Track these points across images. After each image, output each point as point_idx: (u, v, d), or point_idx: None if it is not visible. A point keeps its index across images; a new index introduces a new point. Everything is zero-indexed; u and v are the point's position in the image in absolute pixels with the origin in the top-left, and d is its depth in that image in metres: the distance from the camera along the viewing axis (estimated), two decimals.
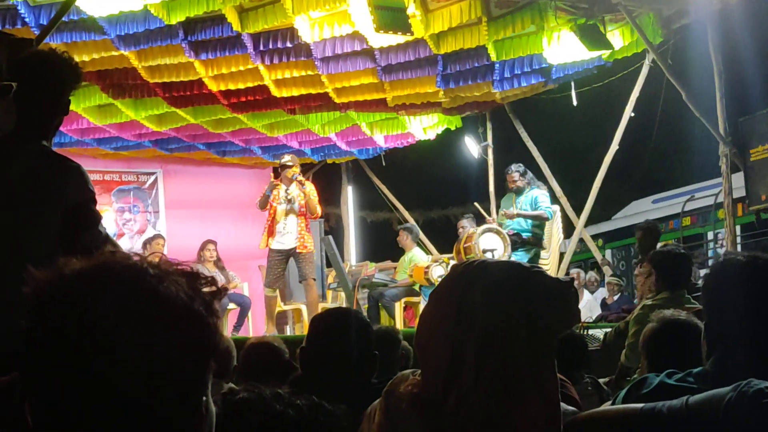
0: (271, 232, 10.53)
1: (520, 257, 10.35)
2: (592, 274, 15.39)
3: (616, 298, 13.72)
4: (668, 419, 1.67)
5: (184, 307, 1.18)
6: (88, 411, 1.12)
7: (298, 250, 10.40)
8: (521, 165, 11.06)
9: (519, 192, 10.94)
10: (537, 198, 10.77)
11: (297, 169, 10.68)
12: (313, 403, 1.42)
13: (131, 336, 1.13)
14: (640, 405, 1.77)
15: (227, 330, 11.63)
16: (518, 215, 10.62)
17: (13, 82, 3.93)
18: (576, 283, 13.92)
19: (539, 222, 10.80)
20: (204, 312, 1.22)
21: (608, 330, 7.84)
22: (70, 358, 1.12)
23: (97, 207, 3.96)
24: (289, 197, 10.47)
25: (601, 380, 5.86)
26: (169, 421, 1.17)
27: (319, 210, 10.75)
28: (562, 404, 1.93)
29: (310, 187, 10.73)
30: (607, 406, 2.44)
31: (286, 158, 10.90)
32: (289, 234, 10.44)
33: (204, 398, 1.24)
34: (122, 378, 1.12)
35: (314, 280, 10.62)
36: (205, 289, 1.25)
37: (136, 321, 1.14)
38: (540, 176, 12.93)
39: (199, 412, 1.23)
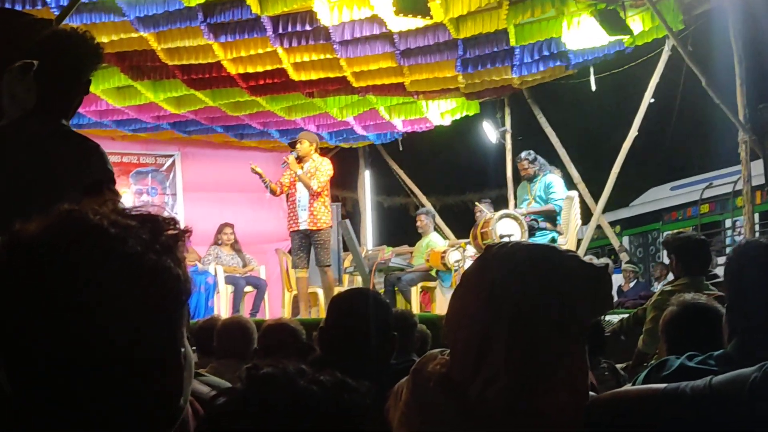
0: (290, 214, 10.53)
1: None
2: (605, 261, 15.33)
3: (632, 285, 13.71)
4: (692, 399, 1.65)
5: (150, 263, 1.16)
6: (62, 375, 1.11)
7: (310, 229, 10.38)
8: (531, 152, 11.00)
9: (532, 179, 10.89)
10: (550, 184, 10.71)
11: (302, 146, 10.57)
12: (337, 379, 1.41)
13: (96, 298, 1.11)
14: (663, 385, 1.75)
15: (245, 313, 11.64)
16: (529, 213, 10.56)
17: (34, 61, 3.94)
18: None
19: (551, 213, 10.75)
20: (170, 263, 1.19)
21: (625, 316, 7.82)
22: (33, 327, 1.11)
23: (116, 188, 3.97)
24: (299, 174, 10.39)
25: (618, 366, 5.84)
26: (146, 375, 1.16)
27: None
28: None
29: (320, 162, 10.65)
30: (628, 387, 2.44)
31: (298, 136, 10.85)
32: (303, 214, 10.41)
33: (182, 349, 1.23)
34: (92, 339, 1.10)
35: (329, 266, 10.61)
36: (168, 233, 1.22)
37: (100, 282, 1.12)
38: (558, 162, 12.89)
39: (177, 364, 1.22)
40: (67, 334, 1.10)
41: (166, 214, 1.26)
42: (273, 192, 10.61)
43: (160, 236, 1.20)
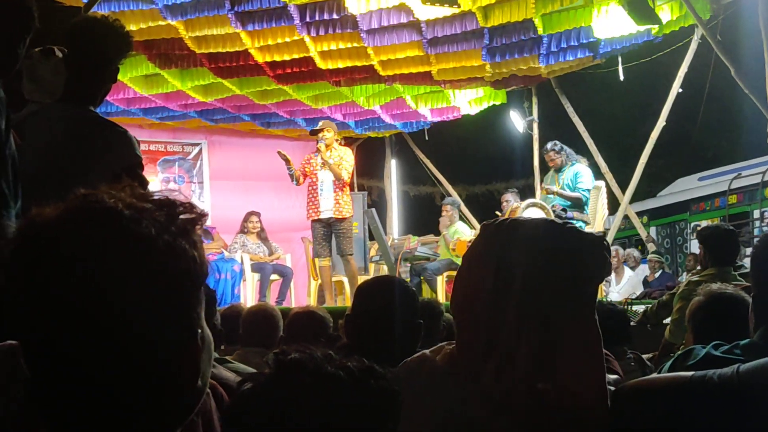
0: (310, 202, 10.51)
1: None
2: (632, 251, 15.27)
3: (657, 275, 13.63)
4: (719, 387, 1.65)
5: (164, 245, 1.16)
6: (76, 358, 1.12)
7: (335, 217, 10.38)
8: (557, 142, 10.95)
9: (559, 169, 10.86)
10: (578, 174, 10.67)
11: (326, 134, 10.53)
12: (365, 365, 1.41)
13: (109, 280, 1.11)
14: (690, 373, 1.75)
15: (271, 301, 11.68)
16: (558, 194, 10.54)
17: (61, 47, 3.96)
18: (615, 260, 13.93)
19: (579, 201, 10.71)
20: (185, 245, 1.19)
21: (649, 305, 7.82)
22: (50, 310, 1.11)
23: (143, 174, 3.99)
24: (323, 163, 10.38)
25: (644, 356, 5.83)
26: (162, 357, 1.16)
27: (344, 176, 10.38)
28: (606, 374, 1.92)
29: (344, 151, 10.62)
30: (655, 375, 2.43)
31: (319, 125, 10.82)
32: (326, 202, 10.39)
33: (199, 330, 1.24)
34: (106, 322, 1.11)
35: (351, 255, 10.59)
36: (184, 216, 1.22)
37: (113, 264, 1.12)
38: (585, 152, 12.84)
39: (193, 345, 1.22)
40: (81, 316, 1.11)
41: (183, 198, 1.26)
42: (296, 180, 10.58)
43: (176, 219, 1.21)
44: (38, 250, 1.13)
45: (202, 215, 1.26)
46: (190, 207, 1.25)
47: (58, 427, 1.18)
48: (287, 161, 10.43)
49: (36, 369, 1.17)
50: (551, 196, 10.79)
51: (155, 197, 1.23)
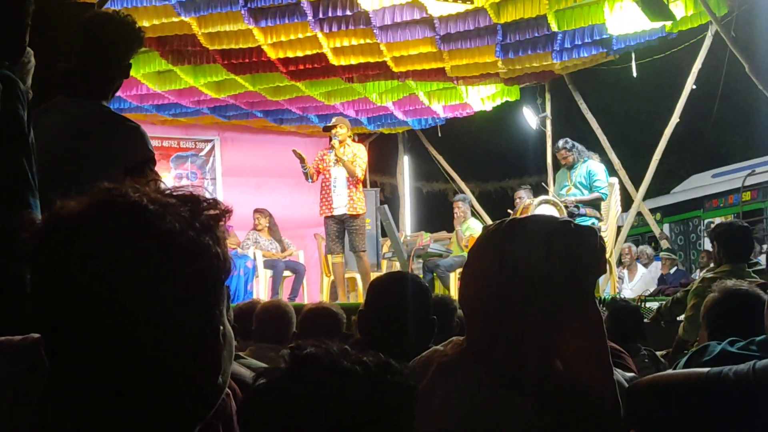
0: (323, 199, 10.50)
1: None
2: (645, 248, 15.23)
3: (671, 271, 13.61)
4: (735, 383, 1.65)
5: (188, 241, 1.16)
6: (98, 352, 1.12)
7: (349, 214, 10.36)
8: (568, 140, 10.92)
9: (571, 167, 10.84)
10: (593, 172, 10.64)
11: (340, 131, 10.52)
12: (381, 360, 1.41)
13: (133, 274, 1.11)
14: (706, 369, 1.75)
15: (283, 297, 11.69)
16: (576, 202, 10.49)
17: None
18: (628, 257, 13.90)
19: (598, 202, 10.68)
20: (209, 242, 1.19)
21: (663, 302, 7.80)
22: (73, 304, 1.11)
23: (156, 169, 3.99)
24: (336, 160, 10.38)
25: (658, 353, 5.82)
26: (184, 352, 1.16)
27: (358, 173, 10.37)
28: (620, 371, 1.97)
29: (357, 148, 10.63)
30: (670, 371, 2.43)
31: (332, 121, 10.78)
32: (340, 199, 10.38)
33: (221, 327, 1.23)
34: (129, 316, 1.11)
35: (364, 252, 10.58)
36: (208, 213, 1.22)
37: (137, 258, 1.12)
38: (598, 148, 12.81)
39: (215, 342, 1.22)
40: (104, 310, 1.10)
41: (207, 194, 1.26)
42: (311, 178, 10.57)
43: (200, 215, 1.20)
44: (63, 243, 1.13)
45: (227, 211, 1.26)
46: (214, 203, 1.25)
47: (79, 422, 1.18)
48: (302, 160, 10.42)
49: (58, 363, 1.18)
50: (563, 192, 10.76)
51: (179, 192, 1.23)
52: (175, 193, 1.22)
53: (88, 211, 1.16)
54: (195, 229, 1.18)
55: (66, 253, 1.13)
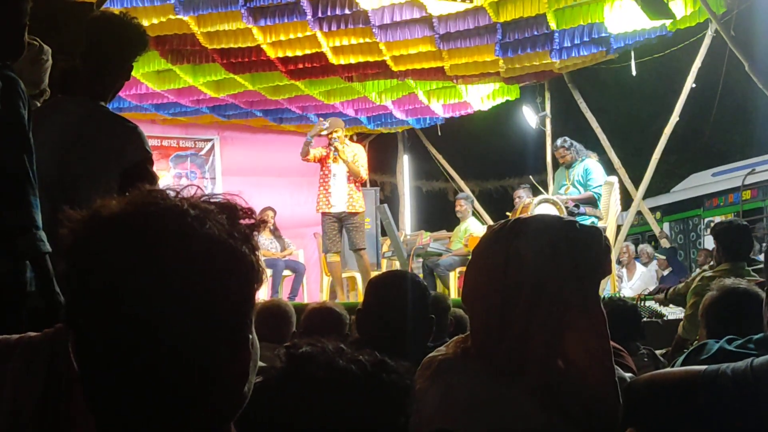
0: (321, 194, 10.50)
1: None
2: (645, 247, 15.24)
3: (665, 273, 13.64)
4: (732, 381, 1.65)
5: (227, 248, 1.16)
6: (133, 357, 1.11)
7: (348, 211, 10.37)
8: (566, 138, 10.95)
9: (570, 165, 10.86)
10: (589, 170, 10.67)
11: (338, 133, 10.52)
12: (377, 359, 1.41)
13: (173, 280, 1.11)
14: (703, 367, 1.76)
15: (283, 296, 11.68)
16: (569, 201, 10.49)
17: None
18: (626, 256, 13.91)
19: (591, 200, 10.69)
20: (246, 250, 1.19)
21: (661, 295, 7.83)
22: (108, 304, 1.11)
23: (154, 170, 3.99)
24: (336, 157, 10.40)
25: (657, 352, 5.82)
26: (215, 361, 1.16)
27: (363, 174, 10.50)
28: (619, 370, 1.98)
29: (356, 148, 10.66)
30: (668, 369, 2.43)
31: (325, 124, 10.74)
32: (339, 196, 10.39)
33: (250, 336, 1.24)
34: (168, 321, 1.11)
35: (364, 249, 10.58)
36: (244, 222, 1.23)
37: (177, 263, 1.12)
38: (598, 147, 12.81)
39: (245, 351, 1.22)
40: (139, 311, 1.10)
41: (243, 203, 1.27)
42: (305, 151, 10.55)
43: (238, 223, 1.22)
44: (103, 242, 1.14)
45: (262, 221, 1.29)
46: (250, 212, 1.27)
47: (104, 419, 1.17)
48: (320, 130, 10.45)
49: (88, 361, 1.18)
50: (562, 191, 10.77)
51: (217, 199, 1.24)
52: (212, 200, 1.23)
53: (129, 210, 1.16)
54: (233, 237, 1.18)
55: (105, 251, 1.13)
